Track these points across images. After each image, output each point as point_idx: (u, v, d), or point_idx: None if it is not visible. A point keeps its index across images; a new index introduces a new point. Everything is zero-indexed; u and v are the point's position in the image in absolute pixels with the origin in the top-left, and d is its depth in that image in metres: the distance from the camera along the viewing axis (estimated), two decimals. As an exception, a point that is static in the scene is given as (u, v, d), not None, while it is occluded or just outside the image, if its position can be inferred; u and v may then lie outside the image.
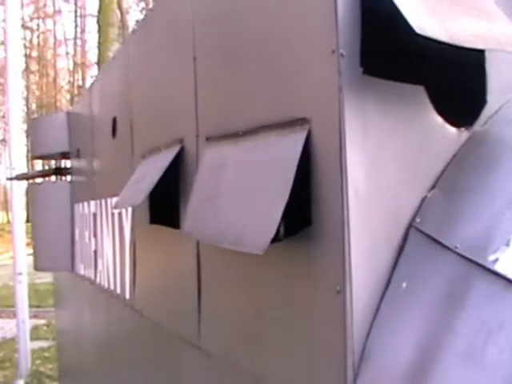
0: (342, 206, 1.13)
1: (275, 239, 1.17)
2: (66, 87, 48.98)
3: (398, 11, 1.09)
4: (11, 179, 5.71)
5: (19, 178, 5.84)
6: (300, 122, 1.25)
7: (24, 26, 44.41)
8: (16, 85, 6.59)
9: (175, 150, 1.99)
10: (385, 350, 1.09)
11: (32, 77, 45.37)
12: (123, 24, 14.95)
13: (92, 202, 3.53)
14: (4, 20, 7.61)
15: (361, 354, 1.12)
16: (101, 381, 3.66)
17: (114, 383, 3.28)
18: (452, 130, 1.35)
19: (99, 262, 3.38)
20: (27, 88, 45.11)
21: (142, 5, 36.80)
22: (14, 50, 6.72)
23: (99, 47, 14.00)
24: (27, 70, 44.83)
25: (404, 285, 1.16)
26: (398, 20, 1.09)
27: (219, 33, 1.76)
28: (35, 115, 45.09)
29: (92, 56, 50.41)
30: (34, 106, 45.81)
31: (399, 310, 1.13)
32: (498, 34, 1.27)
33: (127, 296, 2.74)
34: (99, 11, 14.09)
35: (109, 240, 3.10)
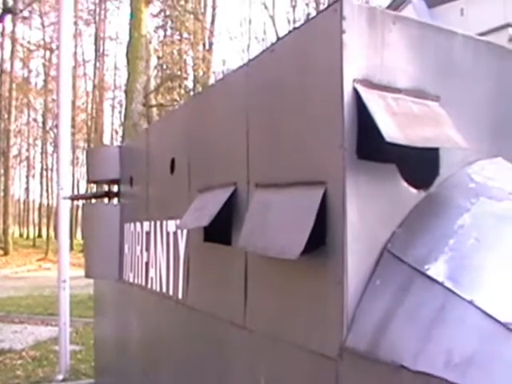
0: (343, 235, 1.97)
1: (303, 252, 2.01)
2: (83, 106, 49.93)
3: (377, 126, 1.93)
4: (67, 198, 6.55)
5: (73, 198, 6.70)
6: (320, 183, 2.10)
7: (45, 47, 45.51)
8: (67, 111, 7.38)
9: (230, 190, 2.83)
10: (365, 316, 1.93)
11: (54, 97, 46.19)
12: (148, 56, 16.01)
13: (146, 223, 4.36)
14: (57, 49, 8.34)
15: (352, 318, 1.95)
16: (147, 374, 4.46)
17: (163, 373, 4.07)
18: (414, 191, 2.17)
19: (151, 271, 4.20)
20: (45, 105, 46.11)
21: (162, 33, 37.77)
22: (66, 80, 7.52)
23: (128, 78, 15.03)
24: (45, 88, 45.77)
25: (378, 282, 1.99)
26: (377, 130, 1.94)
27: (266, 108, 2.61)
28: (51, 134, 46.34)
29: (109, 78, 51.28)
30: (50, 123, 46.95)
31: (374, 296, 1.96)
32: (440, 136, 2.10)
33: (180, 296, 3.57)
34: (128, 45, 15.14)
35: (163, 253, 3.93)
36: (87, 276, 5.54)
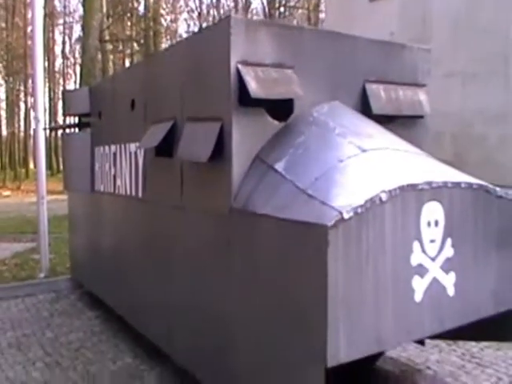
0: (230, 150, 3.57)
1: (210, 158, 3.61)
2: (32, 34, 49.51)
3: (246, 86, 3.51)
4: (47, 129, 7.95)
5: (52, 128, 8.07)
6: (219, 118, 3.68)
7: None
8: (40, 47, 8.60)
9: (171, 122, 4.39)
10: (242, 191, 3.56)
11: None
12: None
13: (113, 146, 5.91)
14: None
15: (236, 193, 3.58)
16: (116, 261, 6.09)
17: (130, 257, 5.70)
18: (276, 122, 3.78)
19: (118, 180, 5.78)
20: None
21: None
22: (39, 19, 8.74)
23: (84, 16, 16.20)
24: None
25: (250, 173, 3.60)
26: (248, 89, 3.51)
27: (192, 71, 4.16)
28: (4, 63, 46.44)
29: (58, 4, 50.81)
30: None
31: (248, 181, 3.58)
32: (289, 91, 3.69)
33: (140, 195, 5.18)
34: (83, -16, 16.27)
35: (127, 167, 5.50)
36: (66, 189, 7.12)
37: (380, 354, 4.83)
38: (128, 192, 5.47)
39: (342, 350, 2.85)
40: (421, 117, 4.63)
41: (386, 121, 4.32)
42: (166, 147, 4.43)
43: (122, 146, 5.61)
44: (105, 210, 6.40)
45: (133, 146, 5.30)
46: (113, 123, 5.97)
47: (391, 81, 4.47)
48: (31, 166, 53.01)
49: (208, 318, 3.99)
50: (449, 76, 15.05)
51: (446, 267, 3.35)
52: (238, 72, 3.57)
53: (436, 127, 14.98)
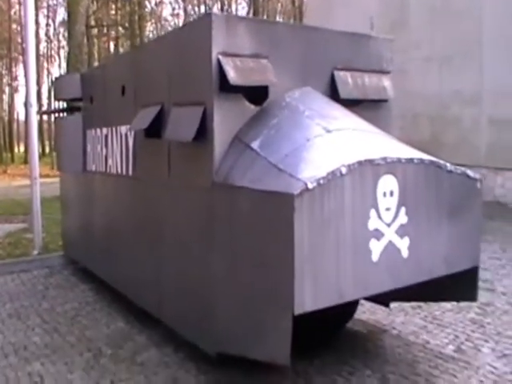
0: (212, 131, 4.04)
1: (194, 139, 4.08)
2: (15, 16, 49.59)
3: (225, 75, 3.98)
4: (40, 113, 8.34)
5: (44, 112, 8.49)
6: (202, 103, 4.15)
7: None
8: (32, 29, 8.85)
9: (159, 106, 4.86)
10: (222, 167, 4.03)
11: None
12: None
13: (104, 128, 6.36)
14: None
15: (217, 169, 4.05)
16: (109, 236, 6.56)
17: (120, 231, 6.17)
18: (253, 106, 4.24)
19: (109, 160, 6.23)
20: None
21: None
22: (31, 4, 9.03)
23: (70, 2, 16.49)
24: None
25: (230, 152, 4.08)
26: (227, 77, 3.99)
27: (177, 59, 4.62)
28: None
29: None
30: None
31: (227, 158, 4.06)
32: (264, 79, 4.16)
33: (130, 173, 5.64)
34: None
35: (117, 148, 5.96)
36: (59, 169, 7.57)
37: (350, 317, 5.35)
38: (119, 171, 5.93)
39: (307, 300, 3.35)
40: (385, 100, 5.11)
41: (353, 104, 4.81)
42: (155, 129, 4.88)
43: (113, 129, 6.06)
44: (96, 189, 6.85)
45: (123, 129, 5.75)
46: (104, 107, 6.41)
47: (358, 68, 4.95)
48: (16, 150, 53.12)
49: (194, 284, 4.47)
50: (427, 60, 15.56)
51: (401, 232, 3.84)
52: (219, 62, 4.03)
53: (414, 109, 15.58)
